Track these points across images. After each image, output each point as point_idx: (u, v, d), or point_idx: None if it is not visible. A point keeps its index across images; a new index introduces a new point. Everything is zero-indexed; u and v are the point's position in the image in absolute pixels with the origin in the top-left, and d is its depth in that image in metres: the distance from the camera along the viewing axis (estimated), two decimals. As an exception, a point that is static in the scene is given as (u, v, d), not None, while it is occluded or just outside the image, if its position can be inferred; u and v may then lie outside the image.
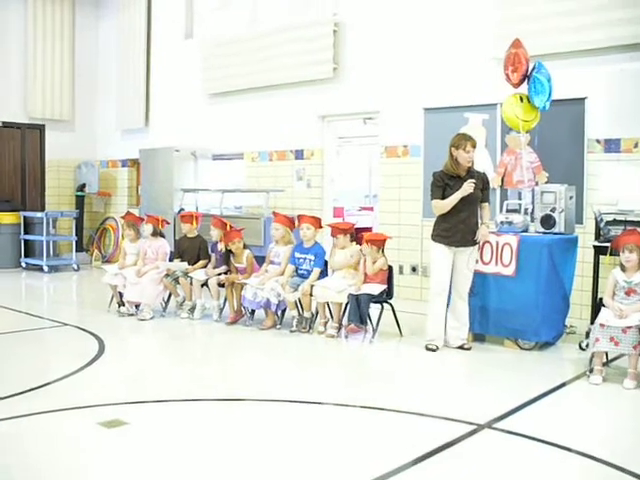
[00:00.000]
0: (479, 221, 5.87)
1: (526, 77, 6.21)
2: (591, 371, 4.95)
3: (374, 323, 6.27)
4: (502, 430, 3.95)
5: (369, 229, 10.29)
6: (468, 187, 5.64)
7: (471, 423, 4.02)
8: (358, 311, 6.11)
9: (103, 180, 12.36)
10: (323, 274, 6.63)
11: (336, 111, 9.17)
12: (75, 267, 11.17)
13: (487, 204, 5.93)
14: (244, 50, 9.95)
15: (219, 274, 7.08)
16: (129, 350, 6.22)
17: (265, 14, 9.88)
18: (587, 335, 5.47)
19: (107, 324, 6.84)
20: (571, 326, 6.31)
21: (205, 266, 7.27)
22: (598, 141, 6.89)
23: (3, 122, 11.45)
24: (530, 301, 5.73)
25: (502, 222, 6.09)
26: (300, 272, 6.69)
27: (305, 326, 6.54)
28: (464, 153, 5.69)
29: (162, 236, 7.52)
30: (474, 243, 5.84)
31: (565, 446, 3.68)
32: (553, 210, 5.91)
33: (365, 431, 4.00)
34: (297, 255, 6.71)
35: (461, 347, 5.88)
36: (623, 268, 5.03)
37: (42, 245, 10.95)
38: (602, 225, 5.91)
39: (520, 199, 6.29)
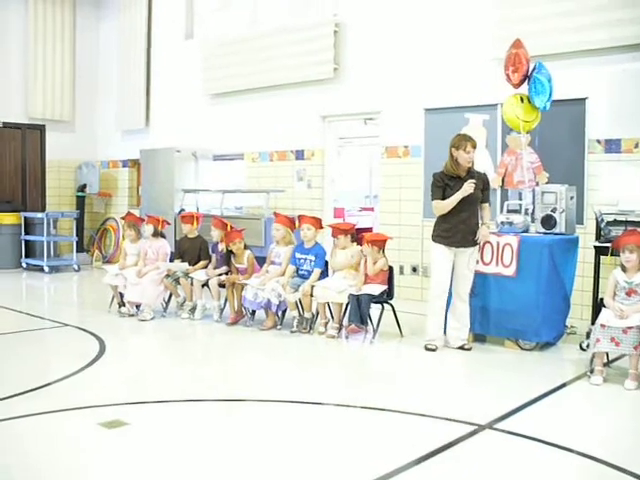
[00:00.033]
0: (479, 221, 5.87)
1: (527, 77, 6.21)
2: (592, 372, 4.95)
3: (375, 324, 6.27)
4: (503, 431, 3.95)
5: (370, 229, 10.27)
6: (468, 187, 5.64)
7: (472, 423, 4.02)
8: (359, 311, 6.11)
9: (104, 181, 12.37)
10: (324, 274, 6.63)
11: (337, 111, 9.17)
12: (76, 268, 11.17)
13: (487, 204, 5.94)
14: (244, 50, 9.95)
15: (220, 274, 7.09)
16: (130, 350, 6.22)
17: (265, 14, 9.88)
18: (588, 336, 5.47)
19: (108, 324, 6.84)
20: (572, 326, 6.31)
21: (206, 267, 7.27)
22: (599, 141, 6.89)
23: (4, 122, 11.46)
24: (531, 301, 5.73)
25: (503, 222, 6.10)
26: (301, 273, 6.69)
27: (306, 327, 6.54)
28: (464, 154, 5.69)
29: (163, 237, 7.52)
30: (474, 243, 5.84)
31: (566, 447, 3.68)
32: (554, 210, 5.91)
33: (366, 432, 4.00)
34: (298, 256, 6.71)
35: (462, 347, 5.88)
36: (624, 268, 5.03)
37: (43, 246, 10.95)
38: (603, 225, 5.91)
39: (521, 199, 6.29)
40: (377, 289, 6.24)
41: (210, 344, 6.60)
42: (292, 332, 6.51)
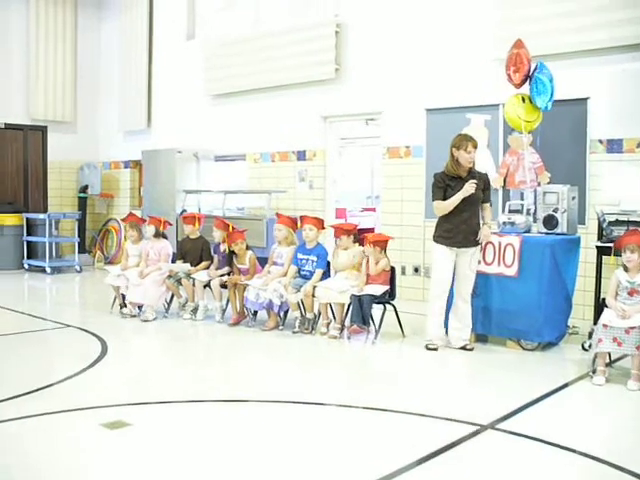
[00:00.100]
0: (481, 222, 5.87)
1: (528, 77, 6.21)
2: (594, 372, 4.95)
3: (376, 324, 6.27)
4: (505, 431, 3.94)
5: (371, 230, 10.29)
6: (470, 188, 5.64)
7: (474, 424, 4.02)
8: (360, 312, 6.11)
9: (105, 181, 12.39)
10: (325, 275, 6.63)
11: (338, 112, 9.17)
12: (77, 268, 11.17)
13: (488, 204, 5.94)
14: (246, 51, 9.96)
15: (222, 275, 7.09)
16: (132, 351, 6.22)
17: (267, 15, 9.90)
18: (590, 336, 5.46)
19: (110, 325, 6.85)
20: (574, 327, 6.30)
21: (208, 267, 7.27)
22: (600, 141, 6.89)
23: (5, 123, 11.47)
24: (533, 302, 5.73)
25: (504, 223, 6.10)
26: (302, 273, 6.69)
27: (307, 327, 6.54)
28: (465, 154, 5.69)
29: (164, 237, 7.53)
30: (476, 244, 5.84)
31: (568, 447, 3.68)
32: (555, 210, 5.91)
33: (368, 432, 4.00)
34: (299, 256, 6.71)
35: (463, 348, 5.88)
36: (626, 268, 5.03)
37: (44, 247, 10.96)
38: (605, 225, 5.90)
39: (522, 200, 6.28)
40: (379, 289, 6.23)
41: (212, 345, 6.60)
42: (294, 333, 6.51)
